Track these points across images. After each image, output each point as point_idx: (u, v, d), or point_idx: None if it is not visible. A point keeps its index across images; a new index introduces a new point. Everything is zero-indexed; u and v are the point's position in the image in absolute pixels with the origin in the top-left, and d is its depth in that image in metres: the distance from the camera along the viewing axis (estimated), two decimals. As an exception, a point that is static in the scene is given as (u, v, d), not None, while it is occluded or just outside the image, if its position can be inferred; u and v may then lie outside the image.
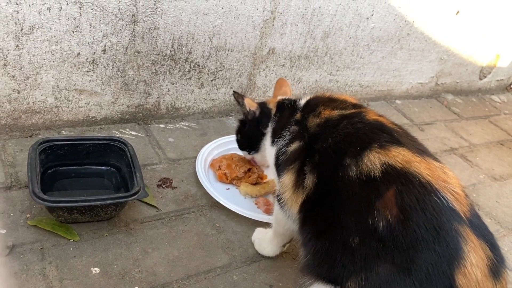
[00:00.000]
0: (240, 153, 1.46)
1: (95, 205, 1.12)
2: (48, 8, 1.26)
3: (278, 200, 1.06)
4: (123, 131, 1.58)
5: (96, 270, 1.07)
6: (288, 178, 1.01)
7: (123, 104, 1.57)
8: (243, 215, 1.32)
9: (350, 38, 2.02)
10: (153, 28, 1.47)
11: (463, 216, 0.78)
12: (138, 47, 1.48)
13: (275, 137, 1.14)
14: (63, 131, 1.49)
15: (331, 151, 0.92)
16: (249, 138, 1.29)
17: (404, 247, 0.75)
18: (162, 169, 1.45)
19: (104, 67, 1.45)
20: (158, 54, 1.53)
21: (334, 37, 1.96)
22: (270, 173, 1.46)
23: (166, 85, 1.63)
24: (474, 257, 0.74)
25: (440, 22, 2.31)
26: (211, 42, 1.62)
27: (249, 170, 1.46)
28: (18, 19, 1.24)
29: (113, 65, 1.46)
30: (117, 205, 1.16)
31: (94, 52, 1.41)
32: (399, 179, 0.80)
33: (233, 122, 1.81)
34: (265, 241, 1.23)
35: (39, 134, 1.44)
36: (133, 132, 1.59)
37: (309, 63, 1.97)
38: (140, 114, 1.64)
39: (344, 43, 2.02)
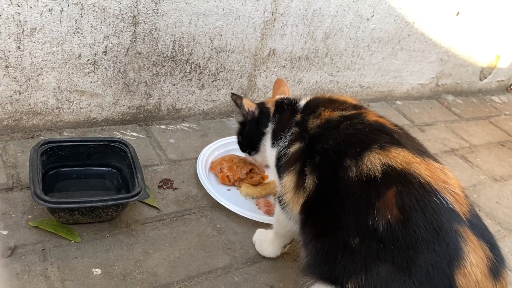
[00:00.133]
0: (240, 154, 1.46)
1: (96, 206, 1.12)
2: (49, 9, 1.26)
3: (279, 202, 1.07)
4: (124, 132, 1.58)
5: (97, 271, 1.07)
6: (289, 179, 1.01)
7: (124, 105, 1.58)
8: (244, 216, 1.32)
9: (350, 39, 2.02)
10: (154, 30, 1.47)
11: (463, 216, 0.78)
12: (139, 49, 1.48)
13: (276, 138, 1.14)
14: (65, 132, 1.50)
15: (332, 152, 0.92)
16: (249, 138, 1.29)
17: (404, 248, 0.76)
18: (163, 170, 1.46)
19: (105, 68, 1.46)
20: (159, 55, 1.54)
21: (334, 38, 1.96)
22: (271, 174, 1.46)
23: (167, 86, 1.63)
24: (474, 257, 0.74)
25: (441, 23, 2.32)
26: (212, 43, 1.62)
27: (250, 171, 1.47)
28: (20, 21, 1.24)
29: (114, 66, 1.47)
30: (118, 206, 1.17)
31: (95, 54, 1.41)
32: (399, 180, 0.80)
33: (233, 123, 1.82)
34: (266, 242, 1.23)
35: (40, 135, 1.44)
36: (134, 133, 1.59)
37: (310, 64, 1.97)
38: (141, 115, 1.65)
39: (344, 44, 2.02)
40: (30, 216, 1.15)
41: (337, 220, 0.85)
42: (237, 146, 1.38)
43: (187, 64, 1.62)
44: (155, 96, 1.63)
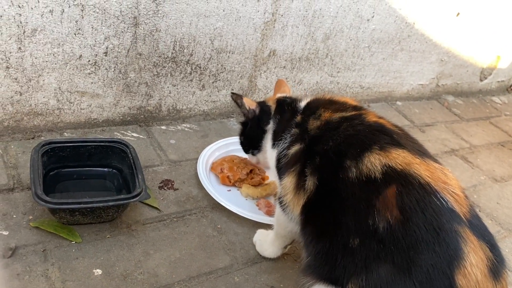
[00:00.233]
0: (241, 155, 1.47)
1: (97, 206, 1.12)
2: (50, 10, 1.27)
3: (280, 203, 1.07)
4: (125, 133, 1.58)
5: (98, 271, 1.07)
6: (289, 180, 1.01)
7: (124, 106, 1.58)
8: (244, 216, 1.33)
9: (350, 39, 2.02)
10: (155, 31, 1.47)
11: (463, 217, 0.78)
12: (140, 49, 1.48)
13: (276, 139, 1.14)
14: (65, 133, 1.50)
15: (332, 153, 0.92)
16: (251, 137, 1.29)
17: (405, 248, 0.76)
18: (164, 171, 1.46)
19: (106, 69, 1.46)
20: (159, 56, 1.54)
21: (335, 39, 1.96)
22: (272, 175, 1.47)
23: (168, 87, 1.63)
24: (474, 257, 0.75)
25: (441, 23, 2.32)
26: (212, 44, 1.63)
27: (251, 171, 1.47)
28: (21, 22, 1.24)
29: (115, 67, 1.47)
30: (119, 206, 1.17)
31: (96, 55, 1.41)
32: (399, 180, 0.80)
33: (234, 124, 1.82)
34: (267, 243, 1.24)
35: (41, 136, 1.45)
36: (134, 134, 1.59)
37: (310, 64, 1.97)
38: (142, 116, 1.65)
39: (345, 45, 2.02)
40: (31, 217, 1.16)
41: (337, 221, 0.86)
42: (238, 147, 1.39)
43: (188, 65, 1.63)
44: (155, 97, 1.63)
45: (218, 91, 1.78)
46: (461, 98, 2.83)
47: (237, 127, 1.36)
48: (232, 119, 1.86)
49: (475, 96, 2.94)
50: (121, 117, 1.60)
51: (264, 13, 1.67)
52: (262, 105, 1.25)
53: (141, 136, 1.59)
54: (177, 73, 1.62)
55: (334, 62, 2.05)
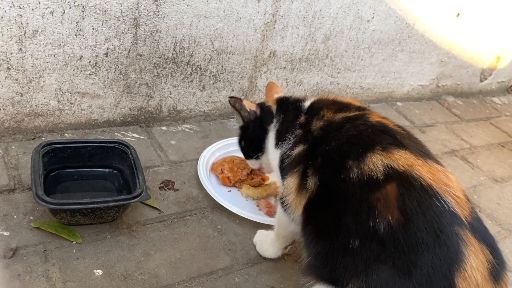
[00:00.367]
0: (241, 155, 1.46)
1: (97, 207, 1.12)
2: (51, 11, 1.27)
3: (282, 203, 1.06)
4: (125, 133, 1.59)
5: (98, 272, 1.07)
6: (292, 181, 1.01)
7: (125, 106, 1.58)
8: (244, 217, 1.33)
9: (351, 40, 2.02)
10: (155, 32, 1.47)
11: (464, 220, 0.78)
12: (140, 50, 1.49)
13: (279, 139, 1.13)
14: (66, 134, 1.50)
15: (334, 154, 0.92)
16: (253, 140, 1.27)
17: (405, 250, 0.76)
18: (164, 172, 1.46)
19: (107, 70, 1.46)
20: (160, 57, 1.54)
21: (335, 39, 1.96)
22: (272, 175, 1.47)
23: (168, 88, 1.64)
24: (474, 260, 0.74)
25: (441, 24, 2.32)
26: (213, 45, 1.63)
27: (251, 172, 1.47)
28: (22, 23, 1.25)
29: (116, 68, 1.47)
30: (120, 207, 1.17)
31: (97, 55, 1.42)
32: (401, 182, 0.80)
33: (234, 124, 1.82)
34: (267, 243, 1.24)
35: (42, 137, 1.45)
36: (135, 135, 1.59)
37: (310, 65, 1.98)
38: (142, 117, 1.65)
39: (345, 46, 2.02)
40: (31, 217, 1.16)
41: (338, 221, 0.85)
42: (238, 147, 1.38)
43: (188, 65, 1.63)
44: (156, 98, 1.63)
45: (218, 92, 1.78)
46: (461, 99, 2.83)
47: (238, 127, 1.35)
48: (232, 119, 1.86)
49: (475, 96, 2.94)
50: (122, 118, 1.61)
51: (265, 14, 1.67)
52: (263, 106, 1.25)
53: (141, 137, 1.59)
54: (177, 74, 1.62)
55: (334, 62, 2.05)
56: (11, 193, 1.22)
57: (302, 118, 1.09)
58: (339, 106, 1.07)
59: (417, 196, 0.78)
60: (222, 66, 1.71)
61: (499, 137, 2.45)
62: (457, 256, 0.74)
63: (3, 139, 1.39)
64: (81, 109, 1.50)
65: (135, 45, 1.46)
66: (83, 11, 1.31)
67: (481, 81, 2.92)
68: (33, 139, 1.43)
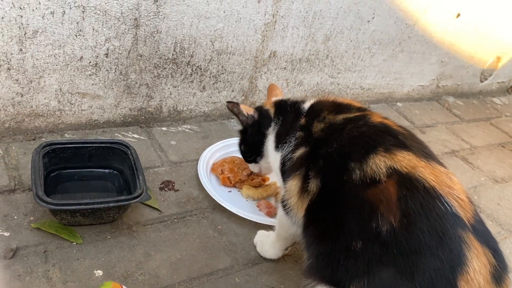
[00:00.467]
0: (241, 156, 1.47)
1: (98, 208, 1.12)
2: (51, 12, 1.27)
3: (283, 206, 1.06)
4: (126, 134, 1.59)
5: (99, 272, 1.07)
6: (294, 183, 1.00)
7: (125, 107, 1.58)
8: (245, 217, 1.33)
9: (351, 41, 2.02)
10: (156, 32, 1.47)
11: (467, 222, 0.78)
12: (141, 51, 1.48)
13: (280, 142, 1.12)
14: (66, 134, 1.50)
15: (336, 156, 0.92)
16: (252, 144, 1.27)
17: (407, 252, 0.75)
18: (165, 172, 1.46)
19: (107, 70, 1.46)
20: (160, 57, 1.54)
21: (335, 40, 1.96)
22: (272, 175, 1.47)
23: (168, 88, 1.64)
24: (477, 263, 0.74)
25: (441, 24, 2.32)
26: (213, 45, 1.63)
27: (251, 172, 1.47)
28: (22, 23, 1.25)
29: (116, 68, 1.47)
30: (120, 207, 1.17)
31: (97, 56, 1.41)
32: (404, 184, 0.80)
33: (234, 125, 1.82)
34: (268, 244, 1.23)
35: (42, 137, 1.45)
36: (135, 135, 1.59)
37: (310, 66, 1.98)
38: (143, 117, 1.65)
39: (345, 46, 2.02)
40: (32, 218, 1.16)
41: (340, 223, 0.85)
42: (238, 151, 1.38)
43: (188, 66, 1.63)
44: (156, 98, 1.63)
45: (218, 92, 1.78)
46: (462, 99, 2.83)
47: (238, 128, 1.36)
48: (232, 120, 1.86)
49: (475, 97, 2.95)
50: (122, 118, 1.60)
51: (265, 15, 1.67)
52: (260, 109, 1.24)
53: (141, 137, 1.59)
54: (177, 75, 1.62)
55: (334, 63, 2.05)
56: (11, 194, 1.22)
57: (302, 120, 1.08)
58: (339, 107, 1.06)
59: (420, 198, 0.78)
60: (222, 67, 1.71)
61: (500, 138, 2.45)
62: (460, 259, 0.74)
63: (4, 140, 1.39)
64: (82, 110, 1.50)
65: (135, 46, 1.46)
66: (83, 12, 1.31)
67: (481, 81, 2.92)
68: (34, 139, 1.43)
